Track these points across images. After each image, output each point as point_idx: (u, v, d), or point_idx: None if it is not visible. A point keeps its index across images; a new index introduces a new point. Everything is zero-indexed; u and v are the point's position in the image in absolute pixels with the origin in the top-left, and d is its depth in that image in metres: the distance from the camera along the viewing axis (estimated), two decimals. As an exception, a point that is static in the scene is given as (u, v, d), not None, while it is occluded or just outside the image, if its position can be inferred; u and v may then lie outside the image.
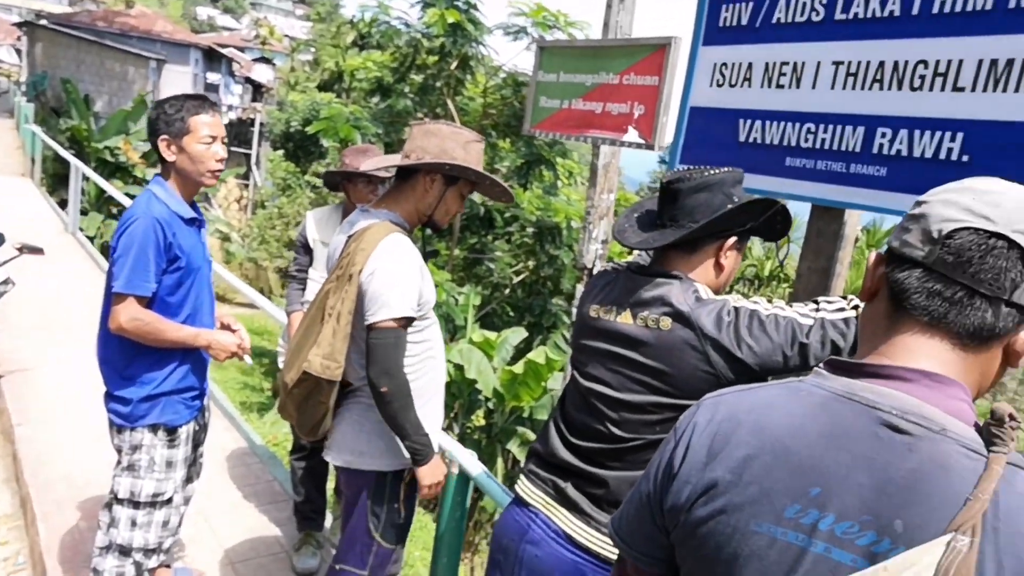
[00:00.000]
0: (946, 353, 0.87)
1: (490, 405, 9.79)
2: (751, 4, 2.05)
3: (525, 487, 1.76)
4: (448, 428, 10.23)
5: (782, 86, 1.98)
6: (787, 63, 1.97)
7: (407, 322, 2.08)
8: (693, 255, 1.59)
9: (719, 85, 2.16)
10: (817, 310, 1.47)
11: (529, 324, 11.10)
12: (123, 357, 2.31)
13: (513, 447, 9.21)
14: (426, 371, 2.22)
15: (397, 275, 2.04)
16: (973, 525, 0.75)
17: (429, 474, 2.15)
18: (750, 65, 2.07)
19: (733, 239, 1.59)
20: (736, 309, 1.48)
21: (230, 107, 31.93)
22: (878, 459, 0.82)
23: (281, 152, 21.22)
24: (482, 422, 9.88)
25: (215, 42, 34.15)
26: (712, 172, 1.57)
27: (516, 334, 10.10)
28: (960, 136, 1.59)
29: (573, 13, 10.56)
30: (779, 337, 1.43)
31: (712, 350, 1.45)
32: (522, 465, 1.82)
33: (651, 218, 1.67)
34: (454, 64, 10.89)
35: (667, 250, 1.61)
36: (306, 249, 3.26)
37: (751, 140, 2.06)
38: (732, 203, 1.56)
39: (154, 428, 2.35)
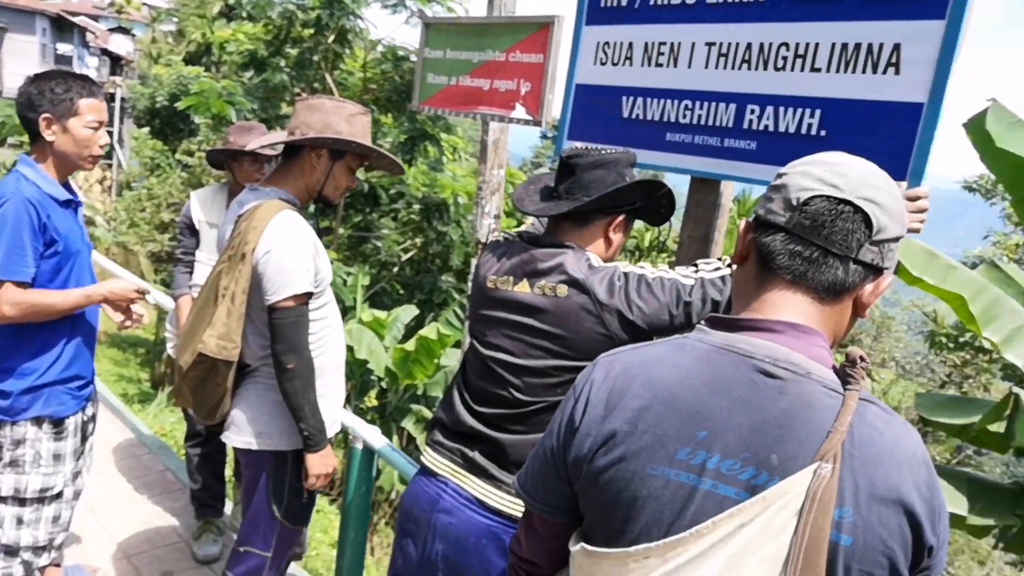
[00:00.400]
0: (807, 306, 1.00)
1: (383, 384, 9.74)
2: (630, -14, 2.15)
3: (432, 458, 1.81)
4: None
5: (661, 65, 2.10)
6: (664, 43, 2.09)
7: (307, 298, 2.08)
8: (585, 228, 1.69)
9: (602, 63, 2.26)
10: (696, 271, 1.60)
11: (420, 302, 11.08)
12: (0, 348, 2.17)
13: (408, 425, 9.22)
14: (325, 348, 2.22)
15: (292, 253, 2.03)
16: (834, 454, 0.87)
17: (319, 463, 2.15)
18: (631, 44, 2.17)
19: (622, 217, 1.71)
20: (625, 274, 1.59)
21: (85, 81, 29.63)
22: (754, 402, 0.93)
23: (146, 130, 19.96)
24: (375, 402, 9.82)
25: (64, 9, 31.49)
26: (608, 151, 1.67)
27: (407, 312, 10.07)
28: (819, 112, 1.75)
29: (451, -14, 10.48)
30: (665, 297, 1.55)
31: (606, 313, 1.56)
32: (426, 437, 1.87)
33: (548, 190, 1.76)
34: (331, 37, 10.59)
35: (560, 222, 1.71)
36: (191, 231, 3.15)
37: (634, 116, 2.18)
38: (624, 182, 1.67)
39: (38, 421, 2.23)
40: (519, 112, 2.57)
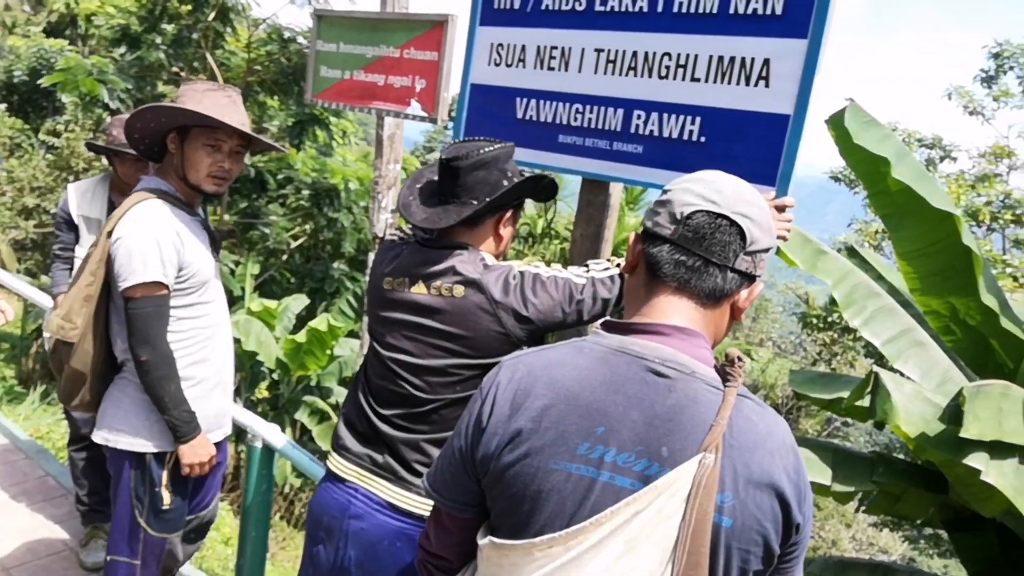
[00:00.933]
0: (691, 311, 1.10)
1: (275, 376, 9.51)
2: (523, -10, 2.21)
3: (339, 464, 1.81)
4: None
5: (552, 68, 2.18)
6: (556, 47, 2.16)
7: (163, 288, 2.04)
8: (475, 228, 1.74)
9: (496, 64, 2.31)
10: (588, 271, 1.69)
11: (311, 290, 10.84)
12: None
13: (303, 416, 9.06)
14: (199, 352, 2.16)
15: (142, 240, 1.99)
16: (716, 445, 0.98)
17: (190, 452, 2.10)
18: (524, 47, 2.24)
19: (509, 212, 1.77)
20: (521, 273, 1.65)
21: (-71, 52, 26.96)
22: (646, 399, 1.02)
23: (3, 107, 18.43)
24: (266, 394, 9.57)
25: (-99, -28, 28.42)
26: (487, 149, 1.69)
27: (298, 301, 9.85)
28: (699, 120, 1.87)
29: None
30: (558, 295, 1.63)
31: (501, 311, 1.62)
32: (332, 442, 1.87)
33: (432, 191, 1.78)
34: (212, 15, 10.12)
35: (451, 229, 1.73)
36: (69, 225, 2.99)
37: (528, 117, 2.24)
38: (507, 179, 1.71)
39: None
40: (415, 108, 2.59)
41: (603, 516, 0.98)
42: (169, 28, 10.40)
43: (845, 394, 4.57)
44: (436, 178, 1.77)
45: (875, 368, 4.01)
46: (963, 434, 3.28)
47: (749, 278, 1.11)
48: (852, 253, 5.60)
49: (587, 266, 1.71)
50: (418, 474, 1.71)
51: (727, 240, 1.07)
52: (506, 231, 1.78)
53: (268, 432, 2.45)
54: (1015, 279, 9.73)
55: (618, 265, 1.70)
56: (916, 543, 15.71)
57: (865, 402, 4.26)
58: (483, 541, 1.11)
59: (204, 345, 2.17)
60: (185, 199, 2.15)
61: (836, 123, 3.59)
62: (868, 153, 3.55)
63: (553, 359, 1.11)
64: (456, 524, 1.19)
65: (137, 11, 10.40)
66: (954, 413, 3.50)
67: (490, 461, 1.08)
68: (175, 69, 10.77)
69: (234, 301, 10.36)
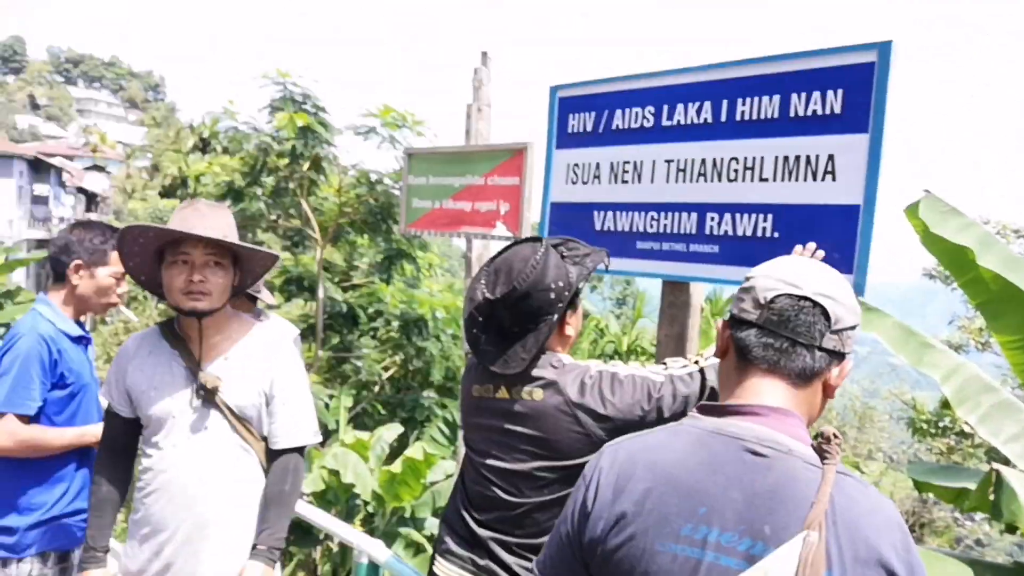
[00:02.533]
0: (783, 391, 1.13)
1: (370, 508, 9.53)
2: (593, 114, 2.40)
3: (444, 567, 1.84)
4: (328, 536, 9.84)
5: (626, 181, 2.32)
6: (628, 162, 2.32)
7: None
8: (544, 344, 1.72)
9: (573, 183, 2.48)
10: (666, 369, 1.71)
11: (403, 420, 11.01)
12: (7, 482, 2.21)
13: (398, 549, 8.98)
14: (140, 494, 1.98)
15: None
16: (819, 522, 0.99)
17: None
18: (598, 164, 2.40)
19: (567, 309, 1.75)
20: (599, 372, 1.69)
21: (62, 219, 30.04)
22: (745, 478, 1.05)
23: (122, 263, 20.13)
24: (360, 527, 9.58)
25: (41, 151, 32.29)
26: (526, 277, 1.67)
27: (391, 431, 9.99)
28: (771, 217, 1.96)
29: (419, 113, 11.07)
30: (637, 394, 1.64)
31: (580, 412, 1.65)
32: (435, 546, 1.91)
33: (496, 327, 1.75)
34: (306, 165, 11.02)
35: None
36: None
37: (606, 228, 2.37)
38: (555, 291, 1.68)
39: (44, 556, 2.24)
40: (500, 230, 2.77)
41: None
42: (269, 180, 11.36)
43: (972, 485, 4.26)
44: (495, 316, 1.75)
45: (996, 466, 3.74)
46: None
47: (839, 356, 1.14)
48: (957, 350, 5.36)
49: (665, 364, 1.74)
50: (515, 574, 1.73)
51: (811, 320, 1.12)
52: (571, 326, 1.80)
53: (372, 548, 2.51)
54: None
55: (696, 363, 1.71)
56: None
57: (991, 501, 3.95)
58: None
59: (142, 490, 1.99)
60: (179, 328, 2.01)
61: (913, 213, 3.58)
62: (950, 243, 3.50)
63: (652, 443, 1.15)
64: None
65: (240, 168, 11.44)
66: (1091, 513, 3.22)
67: (597, 545, 1.11)
68: (273, 216, 11.66)
69: (328, 434, 10.62)
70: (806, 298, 1.12)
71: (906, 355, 4.34)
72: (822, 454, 1.06)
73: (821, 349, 1.12)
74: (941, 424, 12.71)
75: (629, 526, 1.08)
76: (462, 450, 2.40)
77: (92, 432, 2.32)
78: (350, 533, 2.52)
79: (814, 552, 0.96)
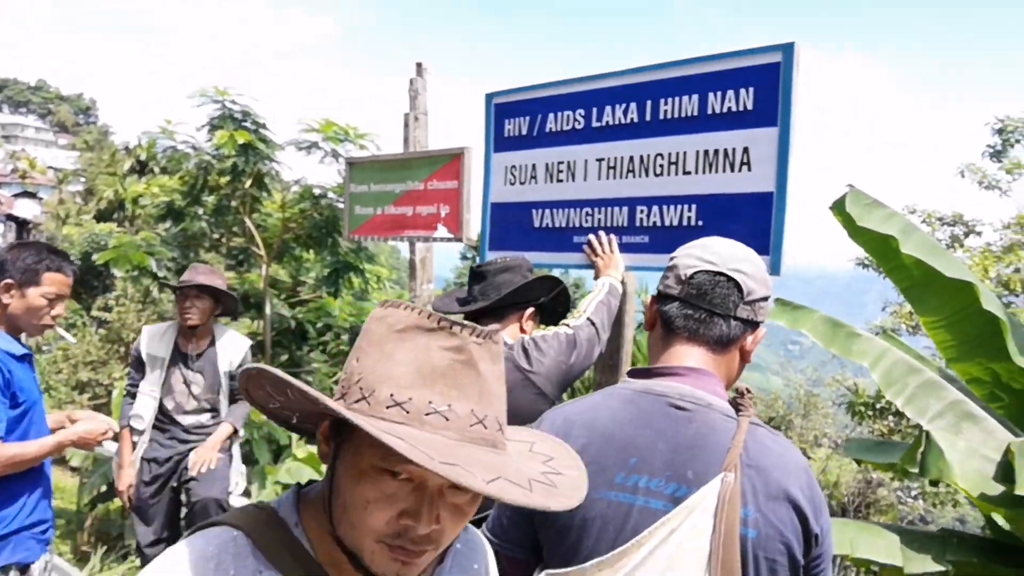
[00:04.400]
0: (703, 355, 1.26)
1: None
2: (528, 118, 2.51)
3: None
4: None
5: (561, 180, 2.44)
6: (563, 162, 2.43)
7: None
8: (503, 322, 2.02)
9: (511, 183, 2.59)
10: (570, 325, 1.97)
11: (356, 431, 10.95)
12: None
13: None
14: None
15: None
16: (736, 465, 1.11)
17: None
18: (534, 166, 2.51)
19: (531, 310, 2.06)
20: (533, 339, 1.92)
21: (-10, 248, 28.88)
22: (670, 430, 1.18)
23: (58, 290, 19.48)
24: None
25: (-35, 180, 31.04)
26: (511, 259, 2.05)
27: (344, 443, 9.94)
28: (694, 207, 2.10)
29: (362, 126, 11.04)
30: (562, 346, 1.89)
31: (532, 375, 1.85)
32: None
33: (463, 298, 2.10)
34: (248, 182, 10.88)
35: (479, 319, 2.00)
36: (139, 364, 3.28)
37: (544, 225, 2.49)
38: (526, 279, 2.02)
39: (5, 570, 2.23)
40: (441, 232, 2.85)
41: (643, 536, 1.11)
42: (210, 199, 11.18)
43: (900, 458, 4.50)
44: (466, 292, 2.08)
45: (925, 427, 3.97)
46: (1019, 491, 3.22)
47: (752, 324, 1.27)
48: (888, 338, 5.60)
49: (567, 323, 1.98)
50: None
51: (726, 293, 1.25)
52: (529, 325, 2.04)
53: None
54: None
55: (587, 319, 1.98)
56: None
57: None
58: (540, 575, 1.23)
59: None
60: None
61: (840, 209, 3.78)
62: (875, 233, 3.71)
63: (586, 405, 1.29)
64: (514, 568, 1.30)
65: (180, 187, 11.23)
66: (1006, 471, 3.45)
67: None
68: (216, 235, 11.49)
69: (281, 450, 10.49)
70: (721, 273, 1.25)
71: (836, 347, 4.57)
72: (737, 407, 1.19)
73: (735, 318, 1.25)
74: (878, 407, 13.20)
75: None
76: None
77: (69, 437, 2.34)
78: None
79: (731, 490, 1.09)
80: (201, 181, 10.92)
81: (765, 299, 1.28)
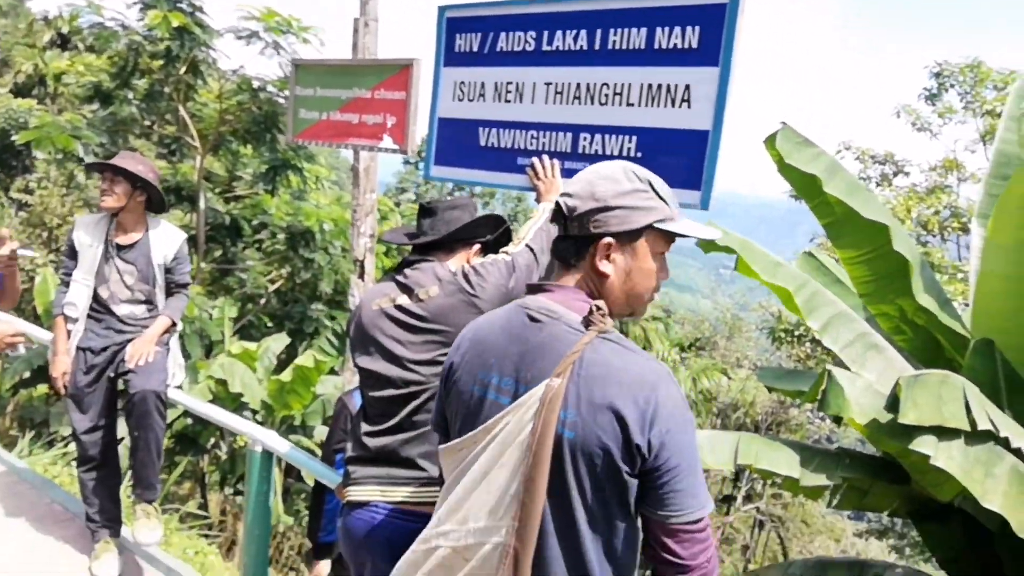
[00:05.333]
0: (563, 273, 1.42)
1: (258, 418, 9.60)
2: (479, 35, 2.50)
3: (355, 492, 2.01)
4: (216, 445, 9.84)
5: (509, 101, 2.47)
6: (511, 82, 2.46)
7: None
8: (451, 255, 2.11)
9: (459, 100, 2.60)
10: (509, 252, 2.05)
11: (290, 331, 10.98)
12: None
13: (287, 454, 9.14)
14: None
15: None
16: (565, 371, 1.26)
17: None
18: (483, 84, 2.53)
19: (477, 246, 2.16)
20: (473, 266, 1.99)
21: None
22: (523, 337, 1.35)
23: (-27, 168, 18.45)
24: (249, 436, 9.65)
25: None
26: (460, 198, 2.15)
27: (278, 342, 9.97)
28: (635, 139, 2.17)
29: (305, 19, 10.57)
30: (502, 270, 1.98)
31: (474, 298, 1.94)
32: (344, 478, 2.08)
33: (412, 232, 2.17)
34: (183, 69, 10.39)
35: (428, 253, 2.10)
36: (72, 253, 3.26)
37: (490, 144, 2.53)
38: (472, 217, 2.12)
39: None
40: (387, 142, 2.86)
41: (487, 425, 1.32)
42: (141, 83, 10.65)
43: (808, 387, 4.84)
44: (415, 227, 2.17)
45: (828, 366, 4.28)
46: (901, 420, 3.53)
47: (586, 239, 1.37)
48: (809, 256, 5.87)
49: (507, 250, 2.07)
50: (423, 468, 1.95)
51: (558, 216, 1.40)
52: (475, 261, 2.09)
53: (266, 437, 2.68)
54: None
55: (522, 240, 2.10)
56: (902, 552, 15.94)
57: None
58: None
59: None
60: None
61: (771, 144, 3.93)
62: (801, 171, 3.88)
63: (483, 319, 1.49)
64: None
65: (108, 68, 10.64)
66: (893, 402, 3.76)
67: (444, 391, 1.49)
68: (148, 122, 11.01)
69: (213, 346, 10.47)
70: (558, 202, 1.40)
71: (761, 270, 4.81)
72: (587, 322, 1.32)
73: (568, 237, 1.39)
74: (796, 333, 13.91)
75: (454, 374, 1.45)
76: (350, 362, 2.58)
77: None
78: (243, 424, 2.68)
79: (554, 393, 1.23)
80: (132, 63, 10.38)
81: (593, 212, 1.35)
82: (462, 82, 2.59)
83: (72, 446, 4.32)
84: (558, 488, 1.25)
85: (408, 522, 1.91)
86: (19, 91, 19.20)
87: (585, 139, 2.28)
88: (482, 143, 2.54)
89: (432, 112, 2.66)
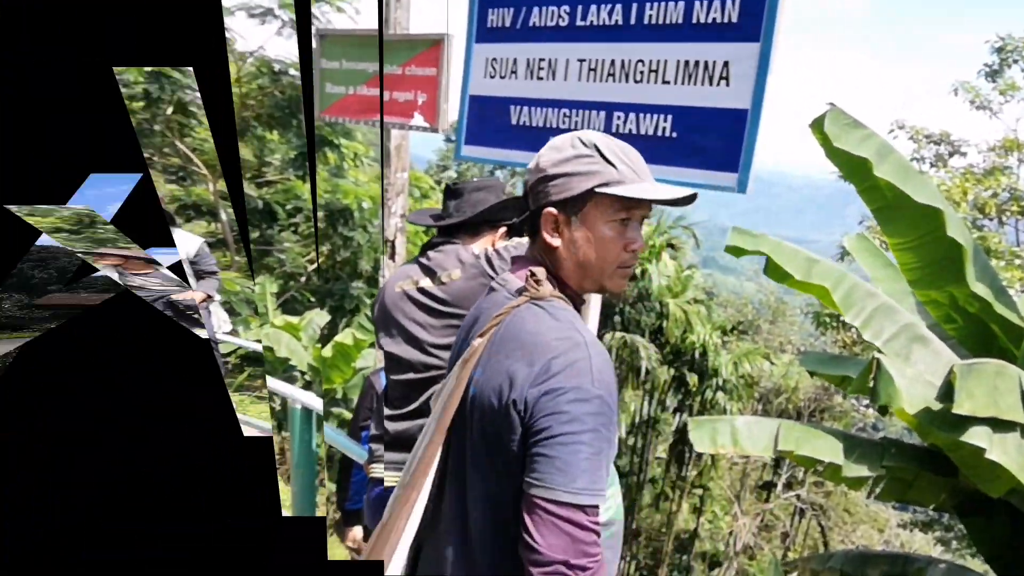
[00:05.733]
0: (528, 248, 1.40)
1: (307, 378, 9.72)
2: (512, 10, 2.43)
3: (381, 472, 2.07)
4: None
5: (541, 78, 2.39)
6: (544, 59, 2.38)
7: None
8: (476, 238, 2.05)
9: (491, 76, 2.53)
10: None
11: (331, 309, 11.08)
12: None
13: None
14: None
15: None
16: (488, 333, 1.29)
17: None
18: (515, 60, 2.46)
19: (503, 229, 2.09)
20: (495, 250, 1.95)
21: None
22: (481, 306, 1.41)
23: None
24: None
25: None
26: (486, 180, 2.07)
27: (320, 317, 10.08)
28: (670, 117, 2.08)
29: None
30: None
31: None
32: (369, 456, 2.15)
33: (438, 214, 2.12)
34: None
35: (454, 234, 2.05)
36: None
37: (521, 122, 2.46)
38: (499, 199, 2.04)
39: None
40: (418, 120, 2.81)
41: (443, 382, 1.39)
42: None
43: (854, 374, 4.70)
44: (441, 208, 2.12)
45: (877, 355, 4.14)
46: (956, 410, 3.40)
47: (533, 212, 1.33)
48: (861, 238, 5.66)
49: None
50: None
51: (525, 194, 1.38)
52: (500, 245, 2.04)
53: (304, 396, 2.76)
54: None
55: None
56: (948, 545, 15.58)
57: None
58: None
59: None
60: None
61: (818, 127, 3.77)
62: (850, 154, 3.72)
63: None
64: None
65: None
66: (947, 392, 3.62)
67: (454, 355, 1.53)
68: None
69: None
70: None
71: (795, 270, 4.67)
72: (521, 290, 1.32)
73: (528, 211, 1.36)
74: (842, 318, 13.54)
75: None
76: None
77: None
78: (280, 385, 2.77)
79: (471, 352, 1.30)
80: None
81: (537, 183, 1.31)
82: (494, 59, 2.52)
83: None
84: (458, 442, 1.33)
85: None
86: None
87: (619, 118, 2.20)
88: (514, 121, 2.48)
89: (463, 89, 2.60)
